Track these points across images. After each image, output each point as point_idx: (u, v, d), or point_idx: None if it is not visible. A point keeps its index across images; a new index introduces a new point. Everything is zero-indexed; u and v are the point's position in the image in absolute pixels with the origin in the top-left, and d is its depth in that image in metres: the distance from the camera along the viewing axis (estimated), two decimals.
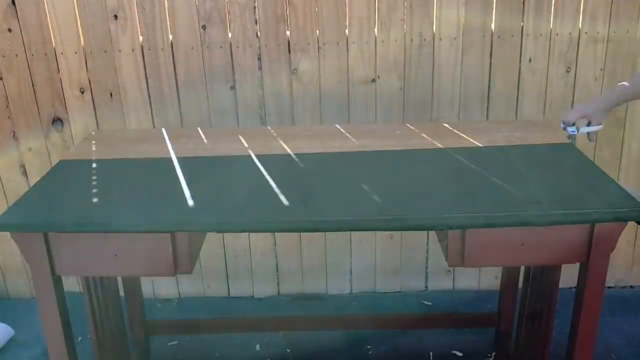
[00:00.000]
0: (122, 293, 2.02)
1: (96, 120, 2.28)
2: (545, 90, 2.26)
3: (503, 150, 1.72)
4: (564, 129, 1.66)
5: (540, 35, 2.18)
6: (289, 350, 2.24)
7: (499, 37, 2.18)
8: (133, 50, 2.19)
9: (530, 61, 2.21)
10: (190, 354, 2.24)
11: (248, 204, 1.43)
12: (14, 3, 2.12)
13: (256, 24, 2.17)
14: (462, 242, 1.38)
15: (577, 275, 1.47)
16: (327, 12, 2.15)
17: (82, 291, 1.72)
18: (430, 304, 2.51)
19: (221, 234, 2.43)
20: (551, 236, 1.38)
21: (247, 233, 2.44)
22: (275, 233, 2.47)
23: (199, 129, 2.00)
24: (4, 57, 2.19)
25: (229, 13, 2.15)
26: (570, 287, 2.26)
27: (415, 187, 1.50)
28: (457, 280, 2.58)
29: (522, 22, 2.17)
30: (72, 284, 2.31)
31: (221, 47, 2.19)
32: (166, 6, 2.13)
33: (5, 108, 2.26)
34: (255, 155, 1.72)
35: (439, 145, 1.76)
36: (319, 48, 2.19)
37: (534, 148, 1.75)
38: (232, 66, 2.22)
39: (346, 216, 1.36)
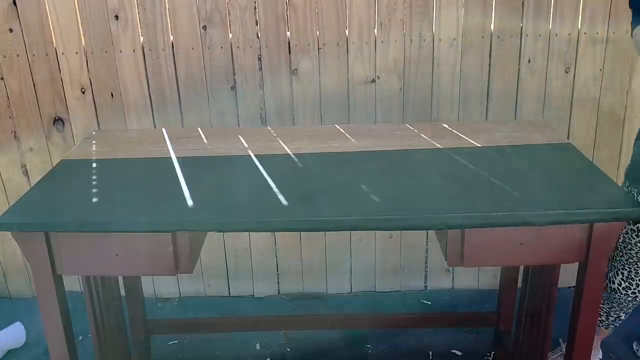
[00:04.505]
0: (122, 292, 2.03)
1: (97, 120, 2.29)
2: (545, 91, 2.26)
3: (502, 150, 1.73)
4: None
5: (540, 35, 2.19)
6: (289, 350, 2.25)
7: (499, 37, 2.19)
8: (134, 50, 2.19)
9: (529, 62, 2.22)
10: (190, 353, 2.25)
11: (248, 204, 1.44)
12: (15, 3, 2.13)
13: (256, 24, 2.17)
14: (461, 242, 1.38)
15: (576, 274, 1.47)
16: (327, 12, 2.15)
17: (82, 290, 1.72)
18: (429, 303, 2.51)
19: (221, 233, 2.44)
20: (550, 236, 1.38)
21: (247, 233, 2.45)
22: (275, 233, 2.48)
23: (199, 129, 2.01)
24: (5, 57, 2.19)
25: (229, 14, 2.16)
26: (569, 287, 2.28)
27: (415, 187, 1.50)
28: (457, 280, 2.58)
29: (522, 22, 2.18)
30: (73, 283, 2.31)
31: (222, 48, 2.20)
32: (167, 7, 2.14)
33: (6, 108, 2.27)
34: (255, 155, 1.73)
35: (439, 145, 1.77)
36: (319, 48, 2.20)
37: (533, 148, 1.75)
38: (233, 66, 2.23)
39: (346, 216, 1.37)
